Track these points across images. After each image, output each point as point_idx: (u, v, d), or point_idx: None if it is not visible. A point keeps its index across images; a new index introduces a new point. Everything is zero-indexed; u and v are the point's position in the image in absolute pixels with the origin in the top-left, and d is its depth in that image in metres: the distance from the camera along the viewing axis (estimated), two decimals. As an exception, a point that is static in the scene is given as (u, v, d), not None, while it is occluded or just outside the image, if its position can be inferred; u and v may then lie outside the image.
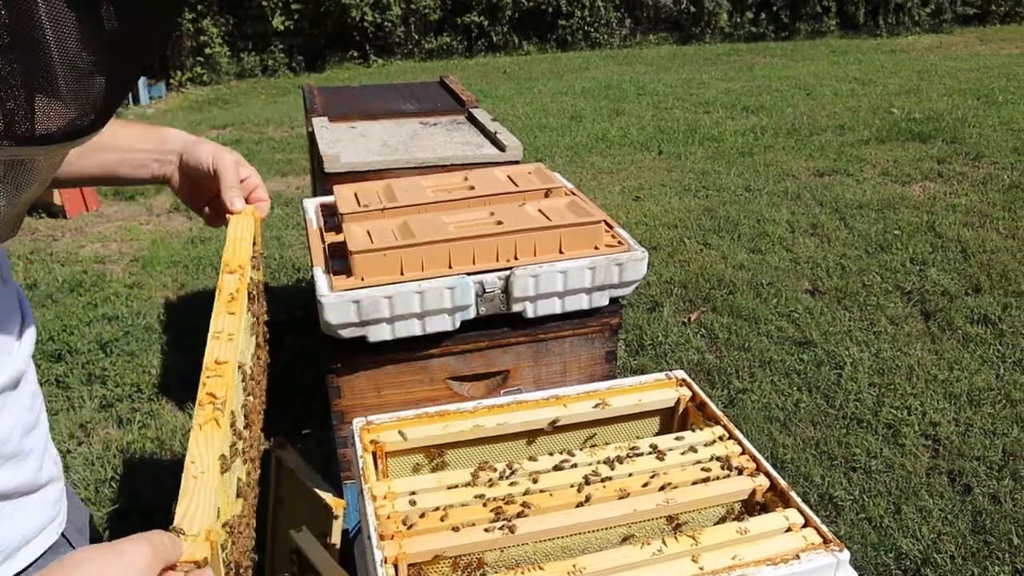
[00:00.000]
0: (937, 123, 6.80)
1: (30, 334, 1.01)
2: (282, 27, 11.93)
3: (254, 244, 1.27)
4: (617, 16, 13.39)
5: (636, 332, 3.62)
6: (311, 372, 3.32)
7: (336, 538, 1.90)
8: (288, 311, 3.85)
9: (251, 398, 1.17)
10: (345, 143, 2.86)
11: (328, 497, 1.92)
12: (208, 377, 1.01)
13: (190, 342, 3.65)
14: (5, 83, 0.62)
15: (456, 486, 1.36)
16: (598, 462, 1.41)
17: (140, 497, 2.72)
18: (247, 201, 1.30)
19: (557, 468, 1.39)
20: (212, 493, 0.86)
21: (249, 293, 1.19)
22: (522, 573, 1.17)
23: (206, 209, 1.31)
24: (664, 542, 1.22)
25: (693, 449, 1.44)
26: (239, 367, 1.07)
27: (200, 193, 1.29)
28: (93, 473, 2.84)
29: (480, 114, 3.12)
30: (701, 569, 1.18)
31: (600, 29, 13.24)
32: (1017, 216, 4.69)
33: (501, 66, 11.63)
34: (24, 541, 0.95)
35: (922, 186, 5.38)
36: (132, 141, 1.23)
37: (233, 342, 1.06)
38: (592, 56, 12.32)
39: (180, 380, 3.37)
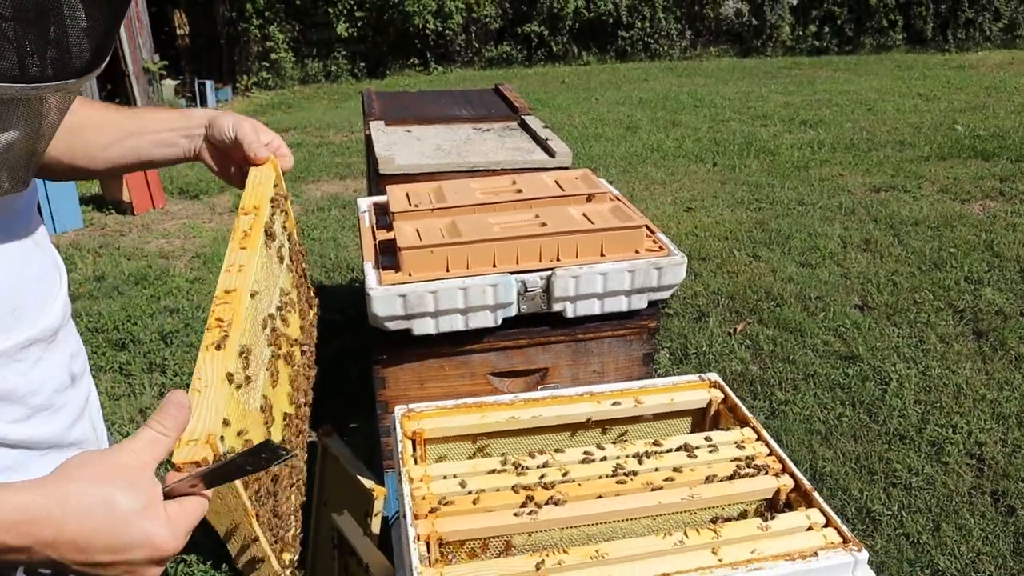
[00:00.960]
0: (1003, 140, 6.66)
1: (64, 296, 1.06)
2: (346, 34, 12.21)
3: (276, 187, 1.34)
4: (678, 27, 13.37)
5: (681, 341, 3.65)
6: (360, 368, 3.42)
7: (376, 523, 1.98)
8: (342, 310, 3.97)
9: (290, 316, 1.27)
10: (400, 146, 2.96)
11: (369, 484, 2.00)
12: (217, 304, 1.10)
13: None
14: (14, 25, 0.68)
15: (489, 472, 1.42)
16: (627, 456, 1.45)
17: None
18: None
19: (587, 460, 1.45)
20: (215, 404, 0.94)
21: (268, 231, 1.27)
22: (547, 555, 1.22)
23: (232, 170, 1.36)
24: (686, 533, 1.27)
25: (721, 448, 1.48)
26: (253, 294, 1.15)
27: (228, 163, 1.35)
28: (151, 455, 2.98)
29: (532, 121, 3.19)
30: (720, 561, 1.22)
31: (660, 40, 13.24)
32: (1080, 237, 4.58)
33: (560, 76, 11.71)
34: None
35: (982, 204, 5.28)
36: (161, 124, 1.31)
37: (244, 273, 1.14)
38: (651, 67, 12.32)
39: (236, 371, 3.50)
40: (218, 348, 1.03)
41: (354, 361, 3.52)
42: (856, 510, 2.60)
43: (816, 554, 1.24)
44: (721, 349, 3.56)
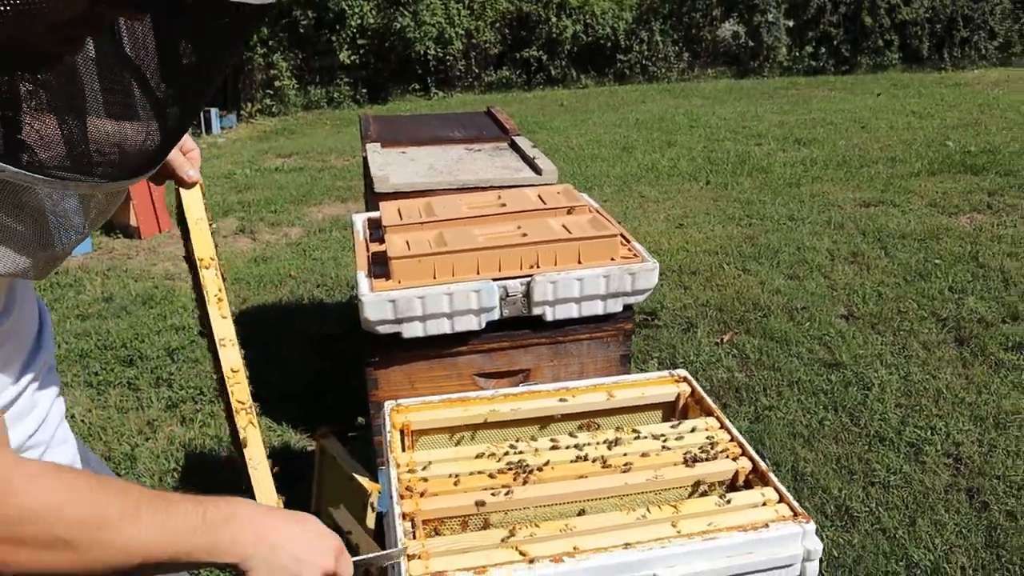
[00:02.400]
0: (992, 156, 6.78)
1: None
2: (348, 61, 12.45)
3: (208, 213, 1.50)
4: (675, 50, 13.58)
5: (670, 351, 3.76)
6: (360, 379, 3.54)
7: (371, 518, 2.09)
8: (340, 324, 4.10)
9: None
10: (395, 166, 3.10)
11: (365, 481, 2.12)
12: (232, 384, 1.29)
13: (251, 353, 3.91)
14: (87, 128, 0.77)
15: (469, 459, 1.54)
16: (597, 443, 1.57)
17: (199, 486, 2.96)
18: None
19: (560, 447, 1.56)
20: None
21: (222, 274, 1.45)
22: (520, 528, 1.34)
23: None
24: (648, 509, 1.38)
25: (686, 435, 1.60)
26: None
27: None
28: (158, 465, 3.10)
29: (522, 141, 3.33)
30: (679, 532, 1.33)
31: (658, 63, 13.44)
32: (1063, 248, 4.69)
33: (558, 99, 11.91)
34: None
35: (969, 217, 5.40)
36: None
37: (235, 346, 1.34)
38: (649, 89, 12.51)
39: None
40: (254, 426, 1.25)
41: (353, 372, 3.63)
42: (835, 507, 2.70)
43: (767, 525, 1.35)
44: (708, 358, 3.67)
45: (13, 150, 0.74)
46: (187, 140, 1.44)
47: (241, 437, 1.39)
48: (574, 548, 1.29)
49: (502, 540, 1.31)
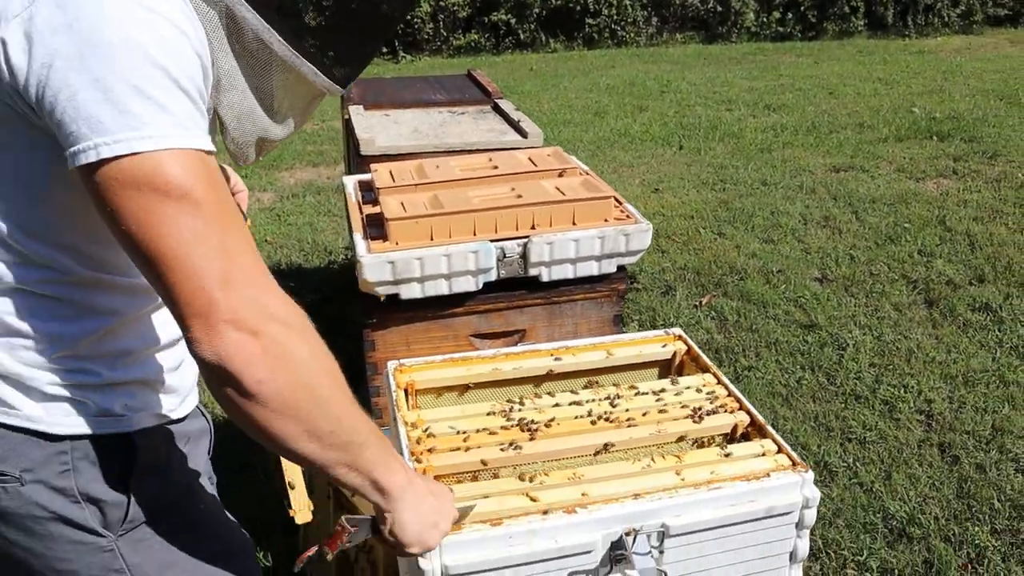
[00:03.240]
0: (957, 122, 6.91)
1: None
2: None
3: None
4: (644, 15, 13.53)
5: (650, 314, 3.82)
6: (341, 342, 3.55)
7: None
8: (319, 289, 4.09)
9: None
10: (379, 129, 3.09)
11: (361, 441, 2.14)
12: None
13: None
14: (339, 34, 0.98)
15: (476, 416, 1.57)
16: (600, 399, 1.61)
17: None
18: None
19: (563, 404, 1.60)
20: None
21: None
22: (530, 478, 1.38)
23: None
24: (652, 459, 1.43)
25: (685, 391, 1.64)
26: None
27: None
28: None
29: (505, 104, 3.33)
30: (682, 480, 1.38)
31: (627, 28, 13.39)
32: (1026, 212, 4.82)
33: (528, 63, 11.83)
34: (188, 391, 1.18)
35: (936, 182, 5.52)
36: None
37: None
38: (618, 54, 12.47)
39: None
40: None
41: (334, 338, 3.64)
42: (814, 463, 2.78)
43: (768, 475, 1.40)
44: (688, 320, 3.73)
45: (293, 35, 0.96)
46: (237, 181, 1.48)
47: None
48: (583, 495, 1.33)
49: (519, 479, 1.36)
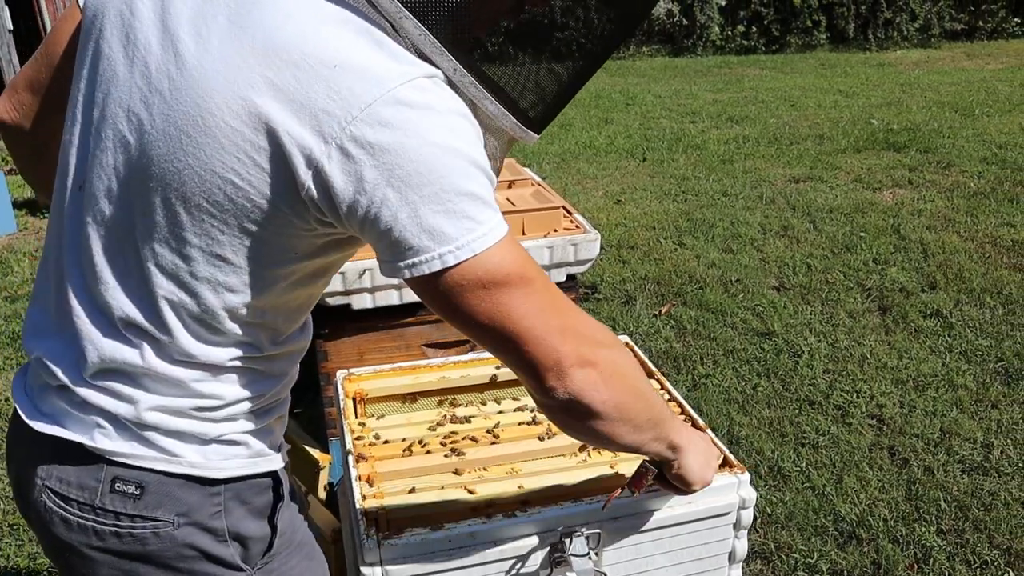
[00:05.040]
0: (913, 133, 7.06)
1: None
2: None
3: None
4: (611, 29, 13.67)
5: (610, 323, 3.86)
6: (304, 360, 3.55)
7: (322, 488, 2.13)
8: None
9: None
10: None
11: (315, 452, 2.15)
12: None
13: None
14: (544, 84, 0.98)
15: (421, 424, 1.60)
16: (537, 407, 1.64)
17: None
18: None
19: (507, 411, 1.63)
20: None
21: None
22: (468, 472, 1.41)
23: None
24: (589, 454, 1.46)
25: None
26: None
27: None
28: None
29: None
30: (616, 472, 1.41)
31: (594, 41, 13.52)
32: (978, 220, 4.94)
33: (496, 76, 11.90)
34: (279, 446, 1.19)
35: (892, 192, 5.63)
36: None
37: None
38: (585, 67, 12.58)
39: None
40: None
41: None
42: (768, 468, 2.84)
43: (704, 477, 1.44)
44: (648, 329, 3.78)
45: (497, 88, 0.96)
46: None
47: None
48: (519, 487, 1.36)
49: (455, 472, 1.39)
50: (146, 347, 0.99)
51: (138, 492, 1.01)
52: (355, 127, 0.85)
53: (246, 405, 1.07)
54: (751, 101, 8.96)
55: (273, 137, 0.87)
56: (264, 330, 1.04)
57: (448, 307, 0.94)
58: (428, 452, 1.50)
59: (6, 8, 7.95)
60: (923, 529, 2.54)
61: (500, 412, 1.62)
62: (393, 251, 0.91)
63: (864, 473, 2.80)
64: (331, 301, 1.97)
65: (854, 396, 3.23)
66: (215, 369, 1.02)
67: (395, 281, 1.99)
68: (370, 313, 2.02)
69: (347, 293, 1.96)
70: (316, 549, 1.24)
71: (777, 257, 4.54)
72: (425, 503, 1.35)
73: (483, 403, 1.66)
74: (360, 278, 1.95)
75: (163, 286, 0.96)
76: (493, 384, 1.75)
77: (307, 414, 3.17)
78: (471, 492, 1.34)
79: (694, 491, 1.30)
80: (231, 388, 1.04)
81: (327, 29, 0.87)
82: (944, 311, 3.85)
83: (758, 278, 4.28)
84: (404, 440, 1.53)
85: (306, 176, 0.88)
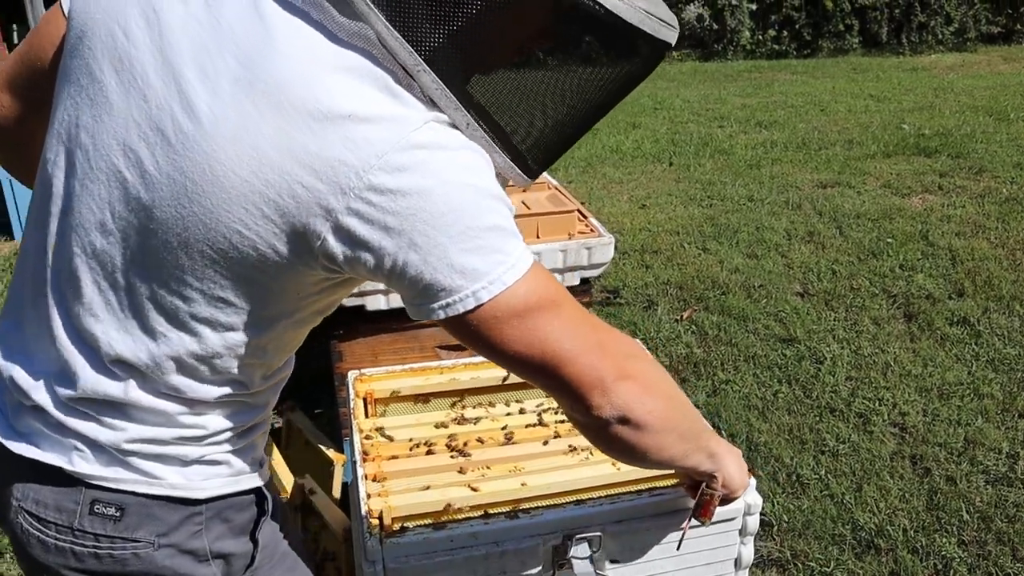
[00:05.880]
0: (945, 138, 6.96)
1: None
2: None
3: None
4: (640, 33, 13.64)
5: (631, 328, 3.85)
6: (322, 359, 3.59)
7: (336, 487, 2.15)
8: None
9: None
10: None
11: (330, 452, 2.17)
12: None
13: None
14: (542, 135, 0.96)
15: (430, 425, 1.61)
16: (547, 409, 1.65)
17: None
18: None
19: (515, 413, 1.64)
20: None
21: None
22: (472, 470, 1.41)
23: None
24: (591, 452, 1.47)
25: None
26: None
27: None
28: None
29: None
30: (618, 470, 1.42)
31: (623, 46, 13.49)
32: (1009, 227, 4.86)
33: (524, 81, 11.92)
34: (261, 461, 1.18)
35: (921, 198, 5.56)
36: None
37: None
38: (614, 72, 12.56)
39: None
40: None
41: (317, 355, 3.68)
42: (787, 475, 2.81)
43: (710, 482, 1.43)
44: (668, 335, 3.77)
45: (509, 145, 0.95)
46: None
47: None
48: (522, 485, 1.37)
49: (459, 471, 1.40)
50: (132, 382, 0.97)
51: (118, 514, 1.00)
52: (373, 176, 0.84)
53: (228, 433, 1.06)
54: (780, 106, 8.88)
55: (286, 189, 0.85)
56: (260, 368, 1.04)
57: (484, 341, 0.93)
58: (433, 453, 1.51)
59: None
60: (944, 540, 2.50)
61: (507, 415, 1.63)
62: (426, 294, 0.90)
63: (884, 482, 2.77)
64: (345, 302, 1.98)
65: (876, 404, 3.19)
66: (201, 404, 1.02)
67: (409, 283, 2.02)
68: (384, 314, 2.03)
69: (361, 295, 1.98)
70: (299, 561, 1.23)
71: (802, 263, 4.50)
72: (429, 502, 1.36)
73: (492, 404, 1.67)
74: (374, 280, 1.97)
75: (161, 324, 0.95)
76: (503, 387, 1.76)
77: (326, 415, 3.20)
78: (474, 489, 1.35)
79: (738, 497, 1.30)
80: (215, 419, 1.04)
81: (339, 77, 0.86)
82: (972, 319, 3.79)
83: (782, 284, 4.25)
84: (411, 440, 1.55)
85: (323, 228, 0.87)
